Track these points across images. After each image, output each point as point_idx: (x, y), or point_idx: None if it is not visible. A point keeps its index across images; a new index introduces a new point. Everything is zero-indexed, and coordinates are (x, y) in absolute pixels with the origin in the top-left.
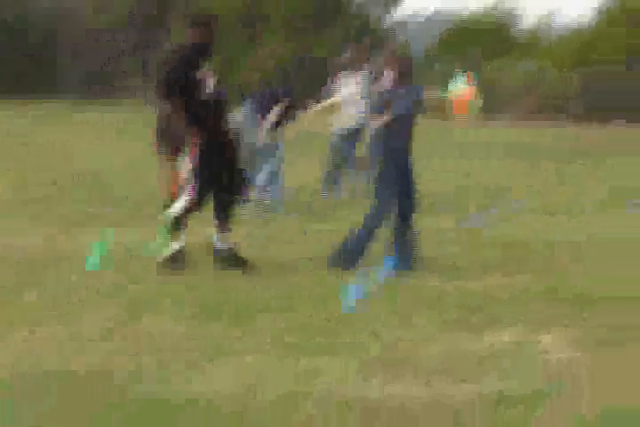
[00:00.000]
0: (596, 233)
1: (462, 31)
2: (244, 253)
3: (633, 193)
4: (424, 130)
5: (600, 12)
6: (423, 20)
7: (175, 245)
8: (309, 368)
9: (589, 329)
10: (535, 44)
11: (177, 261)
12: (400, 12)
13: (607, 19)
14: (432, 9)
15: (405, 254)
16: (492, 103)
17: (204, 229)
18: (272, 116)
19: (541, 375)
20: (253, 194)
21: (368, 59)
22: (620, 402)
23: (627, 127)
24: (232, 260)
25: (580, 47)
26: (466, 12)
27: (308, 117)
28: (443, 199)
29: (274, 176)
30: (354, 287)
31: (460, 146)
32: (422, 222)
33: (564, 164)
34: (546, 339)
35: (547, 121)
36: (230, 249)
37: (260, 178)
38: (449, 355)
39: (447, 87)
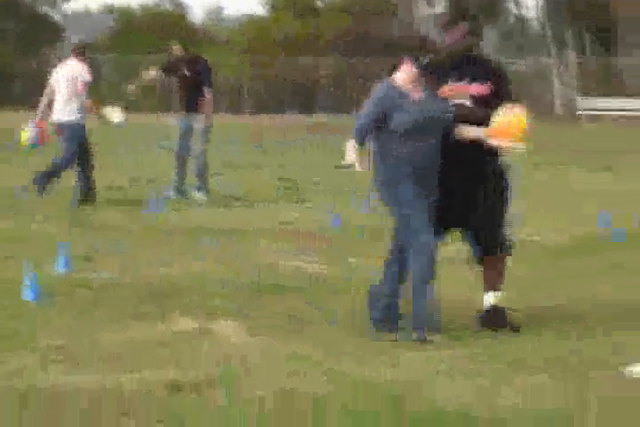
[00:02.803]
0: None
1: (139, 24)
2: None
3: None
4: None
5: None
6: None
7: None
8: None
9: (263, 317)
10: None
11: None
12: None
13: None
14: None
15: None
16: None
17: None
18: None
19: (214, 362)
20: None
21: None
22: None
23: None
24: None
25: (253, 38)
26: (136, 6)
27: None
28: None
29: None
30: (29, 282)
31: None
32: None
33: None
34: (220, 326)
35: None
36: None
37: None
38: (124, 344)
39: None
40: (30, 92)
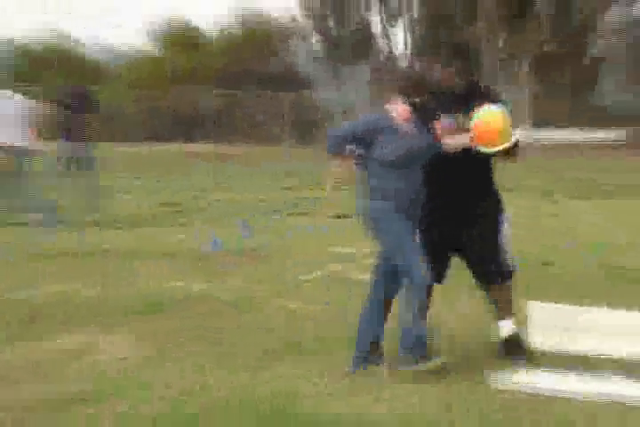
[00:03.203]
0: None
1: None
2: None
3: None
4: None
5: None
6: None
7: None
8: None
9: (149, 332)
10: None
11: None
12: None
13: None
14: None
15: None
16: None
17: None
18: None
19: (93, 376)
20: None
21: None
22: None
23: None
24: None
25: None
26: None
27: None
28: None
29: None
30: None
31: None
32: None
33: None
34: (107, 343)
35: None
36: None
37: None
38: (6, 362)
39: None
40: None
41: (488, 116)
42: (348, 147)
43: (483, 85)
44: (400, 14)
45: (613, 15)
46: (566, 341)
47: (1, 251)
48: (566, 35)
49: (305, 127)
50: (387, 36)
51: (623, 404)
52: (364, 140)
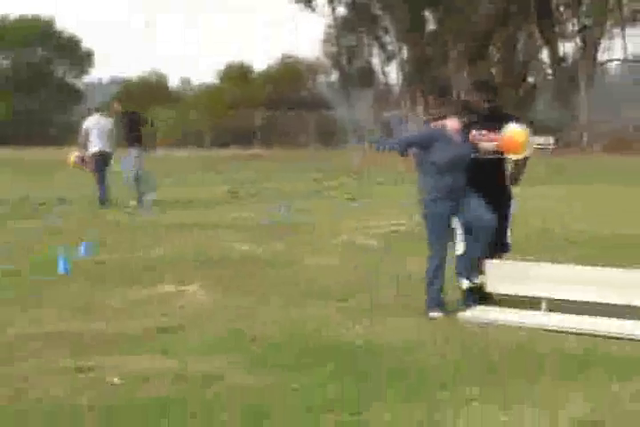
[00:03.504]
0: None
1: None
2: None
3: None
4: None
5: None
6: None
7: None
8: None
9: (220, 281)
10: (181, 97)
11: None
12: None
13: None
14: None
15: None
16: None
17: None
18: None
19: (186, 312)
20: None
21: None
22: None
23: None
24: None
25: (210, 99)
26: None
27: None
28: None
29: None
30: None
31: None
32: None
33: None
34: (191, 289)
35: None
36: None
37: None
38: (128, 302)
39: None
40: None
41: (514, 132)
42: (410, 150)
43: (505, 111)
44: (394, 57)
45: (544, 55)
46: (517, 288)
47: (114, 226)
48: (510, 70)
49: (326, 137)
50: (384, 71)
51: (554, 331)
52: (422, 145)
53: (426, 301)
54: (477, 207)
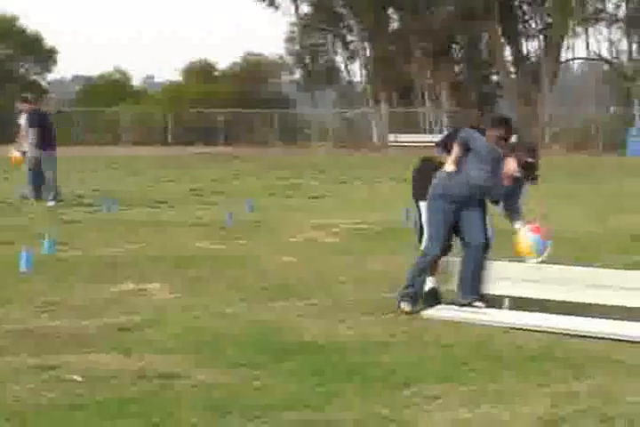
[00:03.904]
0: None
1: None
2: None
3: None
4: None
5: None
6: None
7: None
8: None
9: (181, 279)
10: (144, 94)
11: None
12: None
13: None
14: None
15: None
16: None
17: None
18: None
19: (147, 311)
20: None
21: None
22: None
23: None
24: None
25: (172, 96)
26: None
27: None
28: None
29: None
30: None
31: None
32: None
33: None
34: (152, 287)
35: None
36: None
37: None
38: (89, 300)
39: None
40: None
41: (516, 242)
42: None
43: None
44: (357, 55)
45: (507, 53)
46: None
47: (80, 224)
48: (473, 68)
49: (289, 135)
50: (347, 70)
51: (516, 329)
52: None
53: (399, 292)
54: (474, 226)
